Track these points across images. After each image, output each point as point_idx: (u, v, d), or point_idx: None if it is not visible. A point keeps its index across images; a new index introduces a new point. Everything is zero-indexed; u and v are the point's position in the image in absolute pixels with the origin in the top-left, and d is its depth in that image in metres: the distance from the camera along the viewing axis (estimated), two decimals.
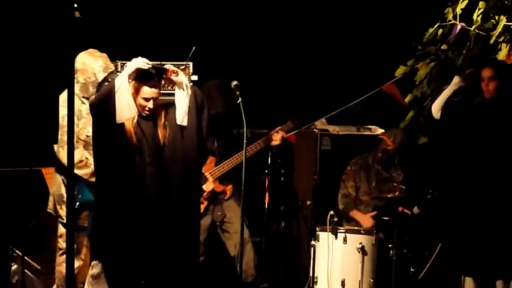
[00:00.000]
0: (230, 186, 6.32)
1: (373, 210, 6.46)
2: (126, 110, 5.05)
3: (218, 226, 6.31)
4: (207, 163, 6.28)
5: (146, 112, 5.16)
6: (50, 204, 5.62)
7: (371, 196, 6.47)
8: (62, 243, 5.53)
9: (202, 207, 6.22)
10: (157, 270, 5.10)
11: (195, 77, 6.68)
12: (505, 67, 5.44)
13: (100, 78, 5.53)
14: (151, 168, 5.14)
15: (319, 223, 6.24)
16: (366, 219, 6.45)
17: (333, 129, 6.97)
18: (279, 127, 6.42)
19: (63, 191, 5.48)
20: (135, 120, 5.15)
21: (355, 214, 6.52)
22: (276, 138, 6.38)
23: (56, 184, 5.55)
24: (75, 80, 5.34)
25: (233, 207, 6.26)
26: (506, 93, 5.40)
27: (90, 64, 5.51)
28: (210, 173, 6.28)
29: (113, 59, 5.45)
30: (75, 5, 4.33)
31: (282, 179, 6.97)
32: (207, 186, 6.25)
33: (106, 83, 5.53)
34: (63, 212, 5.49)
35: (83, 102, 5.49)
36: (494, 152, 5.44)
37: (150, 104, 5.14)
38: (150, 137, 5.17)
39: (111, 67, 5.54)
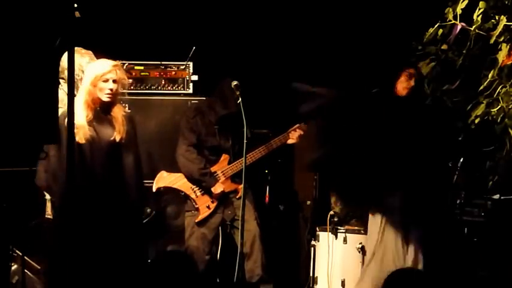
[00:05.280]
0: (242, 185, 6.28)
1: None
2: None
3: (229, 225, 6.28)
4: (220, 161, 6.27)
5: (108, 96, 5.18)
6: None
7: None
8: None
9: (213, 206, 6.22)
10: (111, 268, 5.10)
11: (195, 77, 6.70)
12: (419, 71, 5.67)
13: None
14: (105, 163, 5.16)
15: (319, 223, 6.24)
16: None
17: None
18: (297, 125, 6.38)
19: None
20: (90, 117, 5.17)
21: None
22: (293, 136, 6.35)
23: None
24: (63, 79, 5.28)
25: (245, 206, 6.23)
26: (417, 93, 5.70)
27: (77, 61, 5.39)
28: (222, 172, 6.25)
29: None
30: (75, 5, 4.32)
31: (282, 179, 6.96)
32: (216, 189, 6.21)
33: None
34: None
35: None
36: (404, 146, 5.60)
37: (110, 85, 5.15)
38: (105, 133, 5.19)
39: None
